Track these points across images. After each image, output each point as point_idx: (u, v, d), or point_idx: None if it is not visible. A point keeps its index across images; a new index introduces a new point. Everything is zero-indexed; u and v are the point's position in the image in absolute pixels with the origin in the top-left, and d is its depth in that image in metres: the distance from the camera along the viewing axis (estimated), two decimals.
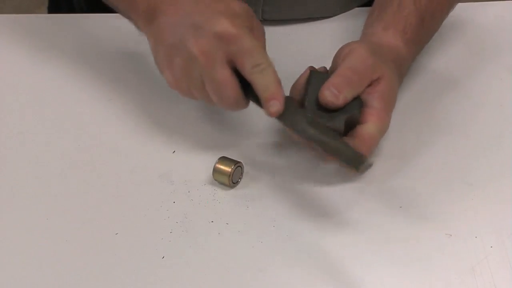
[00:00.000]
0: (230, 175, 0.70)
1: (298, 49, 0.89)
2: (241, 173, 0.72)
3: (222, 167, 0.71)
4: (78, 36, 0.91)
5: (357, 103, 0.69)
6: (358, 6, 0.95)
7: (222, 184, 0.71)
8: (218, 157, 0.72)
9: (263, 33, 0.72)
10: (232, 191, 0.72)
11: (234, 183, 0.71)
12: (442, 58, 0.86)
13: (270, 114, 0.67)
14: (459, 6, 0.86)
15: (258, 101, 0.68)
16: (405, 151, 0.75)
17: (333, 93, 0.67)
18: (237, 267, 0.65)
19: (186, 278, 0.64)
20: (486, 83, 0.83)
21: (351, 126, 0.69)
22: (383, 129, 0.70)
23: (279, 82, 0.67)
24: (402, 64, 0.76)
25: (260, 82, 0.67)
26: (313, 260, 0.65)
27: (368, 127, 0.69)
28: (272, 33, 0.90)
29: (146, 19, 0.71)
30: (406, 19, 0.77)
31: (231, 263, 0.65)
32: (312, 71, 0.71)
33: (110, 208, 0.70)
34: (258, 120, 0.78)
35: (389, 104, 0.71)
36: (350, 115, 0.68)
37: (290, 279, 0.64)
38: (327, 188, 0.71)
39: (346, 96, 0.68)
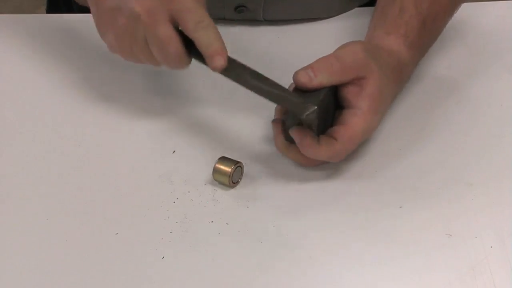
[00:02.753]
0: (230, 175, 0.70)
1: (299, 49, 0.89)
2: (241, 173, 0.72)
3: (222, 167, 0.71)
4: (78, 36, 0.91)
5: (331, 90, 0.69)
6: (359, 6, 0.95)
7: (222, 184, 0.71)
8: (218, 157, 0.72)
9: None
10: (232, 191, 0.72)
11: (234, 183, 0.71)
12: (442, 58, 0.86)
13: (214, 68, 0.68)
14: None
15: (201, 58, 0.69)
16: (405, 151, 0.75)
17: (307, 74, 0.68)
18: (237, 267, 0.65)
19: (186, 278, 0.64)
20: (486, 83, 0.83)
21: (326, 120, 0.70)
22: (367, 130, 0.69)
23: (221, 38, 0.69)
24: (403, 70, 0.76)
25: (203, 38, 0.68)
26: (313, 260, 0.65)
27: (350, 128, 0.69)
28: (273, 33, 0.91)
29: None
30: (408, 23, 0.77)
31: (231, 263, 0.65)
32: None
33: (110, 208, 0.70)
34: (258, 120, 0.78)
35: (378, 105, 0.70)
36: (321, 98, 0.68)
37: (290, 279, 0.64)
38: (327, 188, 0.71)
39: (322, 80, 0.68)
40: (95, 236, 0.68)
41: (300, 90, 0.68)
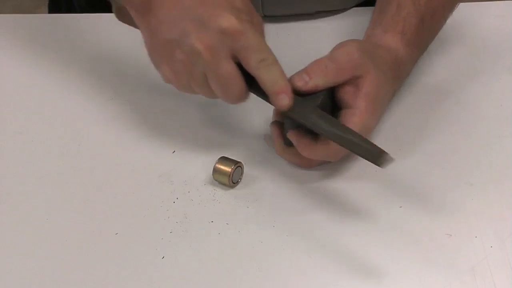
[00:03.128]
0: (230, 175, 0.70)
1: (298, 46, 0.89)
2: (241, 173, 0.72)
3: (222, 167, 0.71)
4: (78, 36, 0.91)
5: (328, 92, 0.69)
6: (358, 3, 0.94)
7: (222, 184, 0.71)
8: (218, 157, 0.72)
9: (262, 26, 0.71)
10: (232, 191, 0.72)
11: (234, 183, 0.71)
12: (442, 58, 0.86)
13: (280, 107, 0.67)
14: (460, 6, 0.85)
15: (262, 94, 0.68)
16: (405, 151, 0.75)
17: (302, 78, 0.68)
18: (237, 267, 0.65)
19: (186, 278, 0.64)
20: (486, 83, 0.83)
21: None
22: (364, 129, 0.69)
23: (285, 76, 0.67)
24: (401, 67, 0.76)
25: (267, 77, 0.67)
26: (313, 261, 0.65)
27: None
28: (272, 30, 0.91)
29: (140, 11, 0.70)
30: (405, 20, 0.77)
31: (231, 263, 0.65)
32: None
33: (110, 208, 0.70)
34: (258, 120, 0.78)
35: (375, 104, 0.70)
36: (320, 102, 0.68)
37: (290, 279, 0.64)
38: (327, 188, 0.71)
39: (316, 83, 0.68)
40: (95, 236, 0.68)
41: (298, 94, 0.68)
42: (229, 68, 0.66)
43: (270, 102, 0.68)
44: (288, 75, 0.69)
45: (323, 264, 0.65)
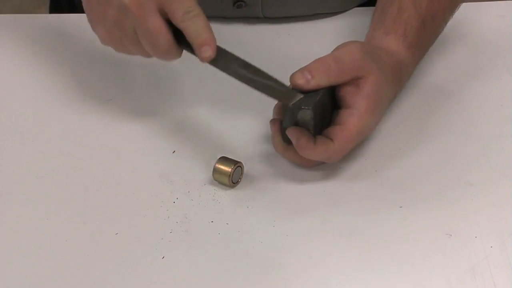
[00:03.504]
0: (230, 175, 0.70)
1: (298, 47, 0.89)
2: (241, 173, 0.72)
3: (222, 167, 0.71)
4: (78, 36, 0.91)
5: (328, 90, 0.69)
6: (359, 4, 0.95)
7: (222, 184, 0.71)
8: (218, 157, 0.72)
9: None
10: (232, 191, 0.71)
11: (234, 183, 0.71)
12: (442, 58, 0.86)
13: (202, 59, 0.68)
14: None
15: (191, 49, 0.69)
16: (405, 151, 0.75)
17: (304, 76, 0.68)
18: (237, 267, 0.65)
19: (186, 278, 0.64)
20: (486, 83, 0.83)
21: (324, 121, 0.70)
22: (363, 131, 0.69)
23: (210, 28, 0.69)
24: (403, 70, 0.76)
25: (191, 28, 0.68)
26: (313, 261, 0.65)
27: (346, 128, 0.69)
28: (272, 31, 0.91)
29: None
30: (407, 23, 0.77)
31: (231, 263, 0.65)
32: None
33: (110, 208, 0.70)
34: (258, 120, 0.78)
35: (376, 105, 0.70)
36: (317, 100, 0.68)
37: (290, 279, 0.64)
38: (327, 188, 0.71)
39: (319, 82, 0.68)
40: (95, 236, 0.68)
41: (298, 91, 0.68)
42: (156, 22, 0.68)
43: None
44: (288, 76, 0.69)
45: (323, 264, 0.65)
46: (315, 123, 0.68)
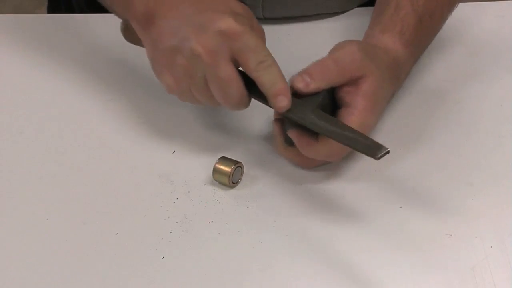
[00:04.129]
0: (230, 175, 0.70)
1: (298, 48, 0.89)
2: (241, 173, 0.72)
3: (222, 167, 0.71)
4: (78, 36, 0.91)
5: (328, 92, 0.69)
6: (359, 5, 0.95)
7: (222, 184, 0.71)
8: (218, 157, 0.72)
9: (263, 33, 0.72)
10: (232, 191, 0.72)
11: (234, 183, 0.71)
12: (442, 58, 0.86)
13: (278, 109, 0.67)
14: (459, 6, 0.85)
15: (262, 98, 0.68)
16: (405, 151, 0.75)
17: (304, 80, 0.68)
18: (237, 267, 0.65)
19: (186, 278, 0.64)
20: (486, 83, 0.83)
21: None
22: (363, 128, 0.69)
23: (284, 78, 0.67)
24: (400, 67, 0.76)
25: (266, 78, 0.66)
26: (313, 260, 0.65)
27: None
28: (272, 32, 0.90)
29: (143, 23, 0.70)
30: (403, 21, 0.77)
31: (231, 263, 0.65)
32: None
33: (110, 208, 0.70)
34: (258, 120, 0.78)
35: (375, 103, 0.70)
36: (319, 102, 0.68)
37: (290, 279, 0.64)
38: (327, 188, 0.71)
39: (319, 86, 0.68)
40: (95, 236, 0.68)
41: (297, 94, 0.68)
42: (229, 71, 0.66)
43: (269, 105, 0.68)
44: (289, 76, 0.69)
45: (323, 264, 0.65)
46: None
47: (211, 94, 0.68)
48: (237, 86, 0.67)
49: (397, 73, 0.76)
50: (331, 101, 0.70)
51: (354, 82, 0.69)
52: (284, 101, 0.67)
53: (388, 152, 0.63)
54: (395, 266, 0.64)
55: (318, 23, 0.93)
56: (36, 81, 0.85)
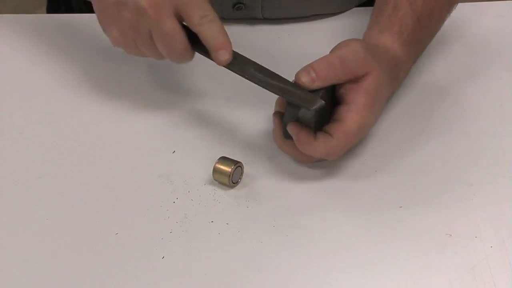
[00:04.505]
0: (230, 175, 0.70)
1: (298, 48, 0.89)
2: (241, 173, 0.72)
3: (222, 167, 0.71)
4: (77, 36, 0.91)
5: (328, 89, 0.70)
6: (358, 5, 0.95)
7: (222, 184, 0.71)
8: (218, 157, 0.72)
9: None
10: (232, 191, 0.71)
11: (234, 183, 0.71)
12: (442, 58, 0.86)
13: (219, 62, 0.70)
14: (459, 6, 0.85)
15: (205, 52, 0.71)
16: (405, 151, 0.75)
17: (310, 77, 0.68)
18: (237, 267, 0.65)
19: (186, 278, 0.64)
20: (486, 83, 0.83)
21: (324, 117, 0.70)
22: (362, 126, 0.69)
23: (225, 32, 0.70)
24: (399, 66, 0.76)
25: (208, 32, 0.69)
26: (313, 260, 0.65)
27: (345, 124, 0.69)
28: (272, 32, 0.91)
29: None
30: (402, 20, 0.77)
31: (231, 263, 0.65)
32: None
33: (110, 208, 0.70)
34: (259, 120, 0.78)
35: (375, 101, 0.70)
36: (320, 97, 0.68)
37: (290, 279, 0.64)
38: (327, 188, 0.71)
39: (324, 82, 0.68)
40: (95, 236, 0.68)
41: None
42: (172, 25, 0.69)
43: (212, 59, 0.70)
44: (290, 76, 0.69)
45: (323, 264, 0.65)
46: (316, 120, 0.68)
47: (156, 47, 0.71)
48: (180, 40, 0.70)
49: (396, 72, 0.76)
50: (331, 96, 0.71)
51: (356, 79, 0.69)
52: (225, 55, 0.69)
53: (322, 104, 0.66)
54: (395, 266, 0.64)
55: (317, 23, 0.93)
56: (36, 81, 0.85)
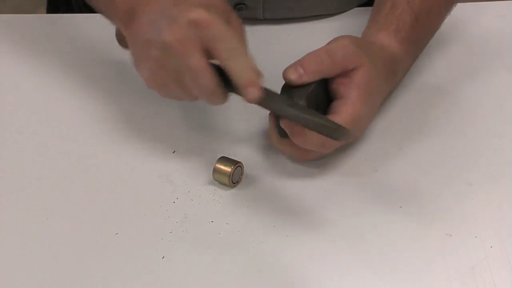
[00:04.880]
0: (230, 175, 0.70)
1: (299, 48, 0.88)
2: (241, 173, 0.72)
3: (222, 167, 0.71)
4: (77, 36, 0.91)
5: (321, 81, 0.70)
6: (359, 5, 0.95)
7: (222, 184, 0.71)
8: (218, 157, 0.72)
9: (241, 27, 0.70)
10: (232, 191, 0.72)
11: (234, 183, 0.71)
12: (442, 58, 0.86)
13: (249, 100, 0.66)
14: (459, 6, 0.85)
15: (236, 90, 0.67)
16: (405, 151, 0.75)
17: (297, 71, 0.68)
18: (237, 267, 0.65)
19: (186, 278, 0.64)
20: (486, 83, 0.83)
21: (318, 105, 0.70)
22: (356, 119, 0.69)
23: (255, 67, 0.66)
24: (397, 64, 0.76)
25: (235, 67, 0.65)
26: (313, 260, 0.65)
27: (338, 117, 0.68)
28: (273, 32, 0.91)
29: (125, 20, 0.71)
30: (399, 18, 0.77)
31: (231, 263, 0.65)
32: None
33: (110, 208, 0.70)
34: (259, 120, 0.78)
35: (366, 95, 0.70)
36: (310, 92, 0.68)
37: (290, 279, 0.64)
38: (327, 188, 0.71)
39: (312, 77, 0.68)
40: (95, 236, 0.68)
41: (288, 85, 0.68)
42: (199, 59, 0.65)
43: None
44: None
45: (323, 264, 0.65)
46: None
47: (186, 86, 0.67)
48: (209, 76, 0.65)
49: (394, 70, 0.76)
50: (324, 93, 0.70)
51: (347, 74, 0.70)
52: (254, 93, 0.65)
53: (350, 134, 0.66)
54: (395, 266, 0.64)
55: (318, 23, 0.93)
56: (36, 81, 0.85)
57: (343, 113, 0.68)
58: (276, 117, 0.71)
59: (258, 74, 0.66)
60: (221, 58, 0.65)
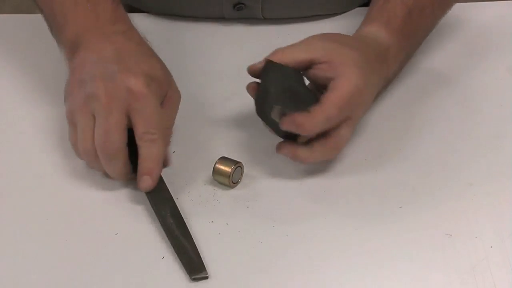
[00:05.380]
0: (230, 175, 0.70)
1: None
2: (241, 173, 0.72)
3: (222, 167, 0.71)
4: None
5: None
6: (359, 6, 0.95)
7: (222, 184, 0.71)
8: (218, 157, 0.72)
9: (177, 102, 0.72)
10: (232, 191, 0.71)
11: (234, 183, 0.71)
12: (442, 58, 0.87)
13: (140, 187, 0.68)
14: (459, 6, 0.86)
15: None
16: (405, 151, 0.75)
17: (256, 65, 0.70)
18: (237, 267, 0.65)
19: (186, 278, 0.64)
20: (486, 83, 0.83)
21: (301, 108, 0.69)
22: (353, 90, 0.68)
23: (161, 159, 0.68)
24: (387, 50, 0.76)
25: (144, 151, 0.67)
26: (313, 260, 0.65)
27: (335, 90, 0.68)
28: (272, 32, 0.91)
29: (69, 50, 0.73)
30: (390, 12, 0.78)
31: (231, 263, 0.65)
32: (268, 62, 0.70)
33: (110, 208, 0.70)
34: (258, 120, 0.78)
35: (359, 69, 0.69)
36: (273, 92, 0.69)
37: (290, 279, 0.64)
38: (327, 188, 0.71)
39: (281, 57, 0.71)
40: (95, 236, 0.68)
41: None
42: (118, 119, 0.66)
43: None
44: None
45: (323, 263, 0.65)
46: (290, 110, 0.68)
47: (93, 138, 0.67)
48: (119, 138, 0.67)
49: (384, 55, 0.75)
50: (304, 88, 0.70)
51: (322, 62, 0.70)
52: (147, 181, 0.67)
53: (206, 277, 0.63)
54: (395, 266, 0.64)
55: (317, 24, 0.93)
56: (36, 81, 0.85)
57: (338, 87, 0.68)
58: (272, 124, 0.71)
59: (160, 167, 0.68)
60: (136, 135, 0.67)
